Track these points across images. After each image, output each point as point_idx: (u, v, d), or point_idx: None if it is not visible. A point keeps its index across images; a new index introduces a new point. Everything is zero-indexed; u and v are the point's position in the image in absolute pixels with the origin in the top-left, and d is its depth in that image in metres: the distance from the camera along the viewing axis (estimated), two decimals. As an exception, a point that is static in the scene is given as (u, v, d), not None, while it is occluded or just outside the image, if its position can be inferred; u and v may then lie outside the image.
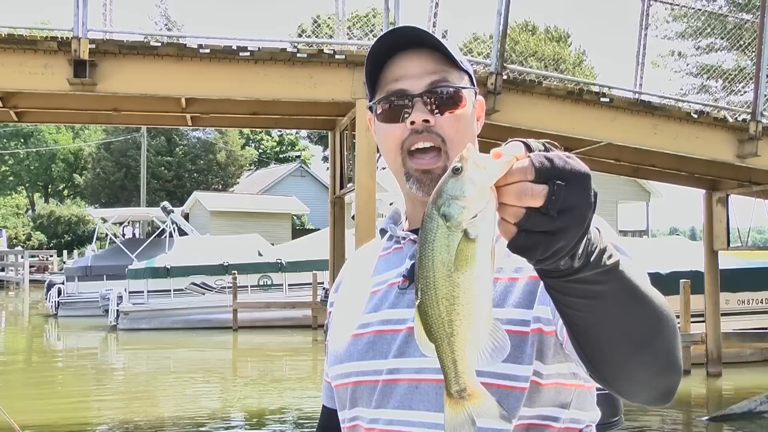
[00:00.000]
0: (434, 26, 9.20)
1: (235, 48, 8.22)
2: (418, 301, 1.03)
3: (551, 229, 0.93)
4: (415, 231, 1.52)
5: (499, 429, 1.25)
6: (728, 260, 13.31)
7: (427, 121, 1.44)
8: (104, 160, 50.68)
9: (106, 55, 8.09)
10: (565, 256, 0.96)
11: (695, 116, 9.65)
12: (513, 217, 0.94)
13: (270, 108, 9.71)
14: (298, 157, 61.60)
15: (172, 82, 8.33)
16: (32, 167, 61.23)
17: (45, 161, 60.79)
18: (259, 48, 8.29)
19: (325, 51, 8.40)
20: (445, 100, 1.46)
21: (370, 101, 1.54)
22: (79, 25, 7.80)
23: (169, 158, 50.03)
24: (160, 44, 8.14)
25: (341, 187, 10.41)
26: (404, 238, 1.57)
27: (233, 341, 20.69)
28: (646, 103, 9.56)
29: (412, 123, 1.45)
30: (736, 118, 9.91)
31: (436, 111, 1.45)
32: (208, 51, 8.16)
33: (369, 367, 1.47)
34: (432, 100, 1.45)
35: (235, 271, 22.28)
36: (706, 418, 10.61)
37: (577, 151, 10.75)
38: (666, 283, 13.73)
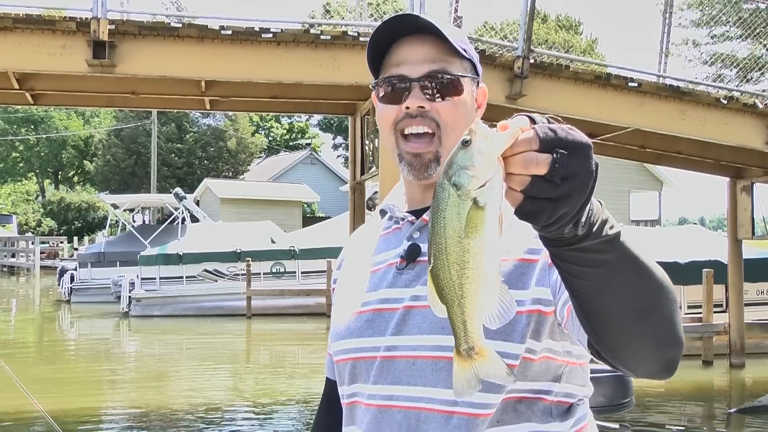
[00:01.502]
0: (456, 12, 9.04)
1: (258, 30, 8.06)
2: (431, 266, 1.08)
3: (555, 196, 0.99)
4: (413, 212, 1.61)
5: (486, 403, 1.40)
6: (747, 250, 13.09)
7: (422, 107, 1.50)
8: (115, 147, 50.58)
9: (125, 36, 7.93)
10: (568, 223, 1.02)
11: (724, 102, 9.45)
12: (519, 185, 1.00)
13: (290, 91, 9.53)
14: (308, 144, 61.44)
15: (193, 64, 8.17)
16: (42, 153, 61.29)
17: (55, 147, 60.83)
18: (281, 29, 8.13)
19: (349, 33, 8.23)
20: (442, 87, 1.51)
21: (373, 83, 1.60)
22: (99, 5, 7.64)
23: (179, 145, 49.91)
24: (180, 25, 7.97)
25: (362, 173, 10.24)
26: (403, 219, 1.62)
27: (246, 329, 20.59)
28: (675, 87, 9.35)
29: (407, 108, 1.50)
30: (766, 105, 9.69)
31: (435, 97, 1.51)
32: (229, 33, 8.00)
33: (367, 344, 1.54)
34: (430, 85, 1.51)
35: (249, 259, 22.16)
36: (734, 410, 10.43)
37: (603, 137, 10.56)
38: (685, 272, 13.59)
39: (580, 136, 1.01)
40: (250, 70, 8.25)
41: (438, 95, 1.51)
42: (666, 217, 42.51)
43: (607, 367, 2.84)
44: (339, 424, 1.65)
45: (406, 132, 1.52)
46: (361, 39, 8.03)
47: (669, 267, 13.85)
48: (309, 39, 8.14)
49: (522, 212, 1.01)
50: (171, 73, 8.26)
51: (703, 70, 28.13)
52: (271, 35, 8.06)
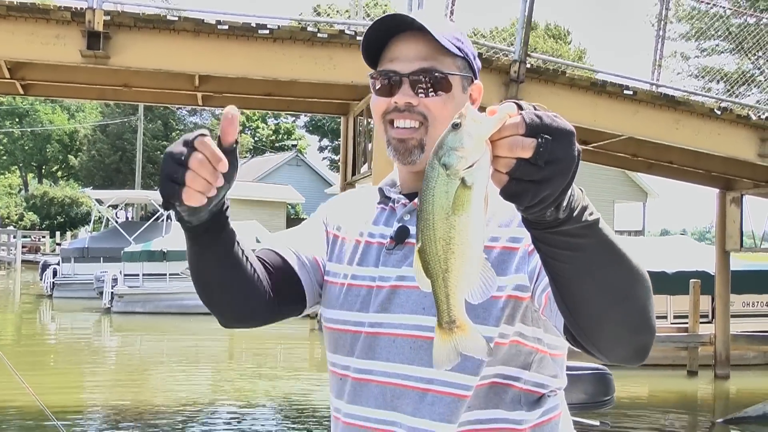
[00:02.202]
0: (452, 14, 9.03)
1: (254, 25, 8.01)
2: (419, 241, 1.14)
3: (538, 178, 1.04)
4: (406, 195, 1.68)
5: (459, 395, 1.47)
6: (733, 262, 13.13)
7: (409, 103, 1.57)
8: (100, 143, 50.26)
9: (120, 28, 7.87)
10: (550, 205, 1.07)
11: (718, 113, 9.47)
12: (505, 167, 1.05)
13: (285, 89, 9.49)
14: (294, 146, 61.31)
15: (188, 58, 8.11)
16: (27, 147, 60.81)
17: (40, 141, 60.35)
18: (278, 26, 8.08)
19: (347, 32, 8.19)
20: (431, 84, 1.57)
21: (370, 74, 1.66)
22: (94, -4, 7.56)
23: (165, 142, 49.61)
24: (177, 19, 7.92)
25: (353, 173, 10.20)
26: (397, 201, 1.69)
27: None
28: (669, 97, 9.37)
29: (395, 102, 1.58)
30: (760, 116, 9.72)
31: (422, 93, 1.57)
32: (226, 27, 7.96)
33: (353, 318, 1.61)
34: (419, 82, 1.57)
35: (234, 257, 22.00)
36: (721, 420, 10.44)
37: (596, 144, 10.57)
38: (672, 282, 13.60)
39: (564, 123, 1.06)
40: (246, 66, 8.19)
41: (428, 90, 1.57)
42: (648, 229, 42.70)
43: (589, 364, 2.87)
44: (264, 269, 1.64)
45: (395, 124, 1.60)
46: (358, 38, 7.98)
47: (656, 276, 13.90)
48: (306, 37, 8.09)
49: (507, 193, 1.07)
50: (166, 66, 8.19)
51: (690, 83, 28.26)
52: (267, 31, 8.01)
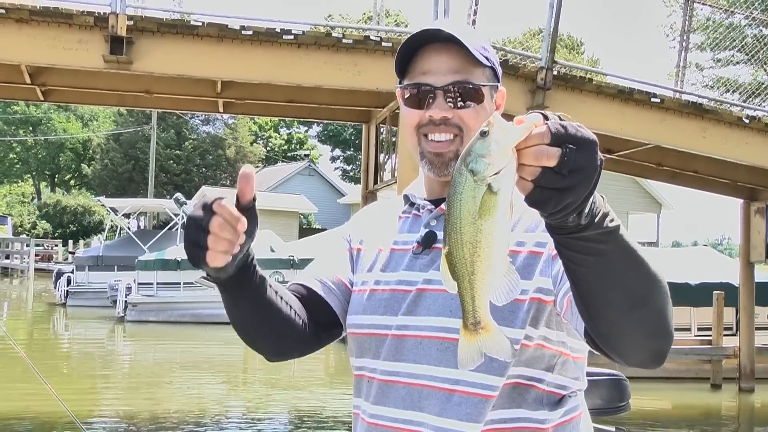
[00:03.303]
0: (473, 22, 8.92)
1: (279, 31, 7.91)
2: (446, 244, 1.18)
3: (562, 186, 1.08)
4: (432, 201, 1.72)
5: (484, 395, 1.51)
6: (758, 273, 12.95)
7: (446, 117, 1.60)
8: (113, 152, 50.30)
9: (143, 33, 7.77)
10: (573, 212, 1.11)
11: (746, 121, 9.32)
12: (530, 175, 1.09)
13: (307, 96, 9.38)
14: (307, 155, 61.34)
15: (211, 63, 8.01)
16: (40, 155, 60.98)
17: (53, 150, 60.53)
18: (303, 32, 7.97)
19: (372, 38, 8.08)
20: (464, 96, 1.61)
21: (400, 83, 1.70)
22: (117, 0, 7.48)
23: (178, 152, 49.70)
24: (200, 24, 7.81)
25: (375, 182, 10.07)
26: (423, 207, 1.73)
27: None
28: (697, 105, 9.22)
29: (431, 116, 1.61)
30: (788, 125, 9.55)
31: (457, 104, 1.61)
32: (250, 33, 7.85)
33: (380, 322, 1.64)
34: (453, 94, 1.61)
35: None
36: None
37: (621, 153, 10.43)
38: (696, 294, 13.44)
39: (588, 133, 1.10)
40: (270, 72, 8.09)
41: (460, 102, 1.61)
42: (662, 241, 42.52)
43: (604, 370, 2.98)
44: (300, 303, 1.70)
45: (430, 137, 1.63)
46: (383, 44, 7.88)
47: (679, 288, 13.72)
48: (330, 42, 7.99)
49: (531, 200, 1.11)
50: (188, 72, 8.09)
51: (705, 94, 28.13)
52: (291, 37, 7.91)
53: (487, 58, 1.64)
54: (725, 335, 13.21)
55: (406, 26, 9.58)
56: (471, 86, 1.61)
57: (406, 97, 1.67)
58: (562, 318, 1.50)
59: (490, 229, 1.14)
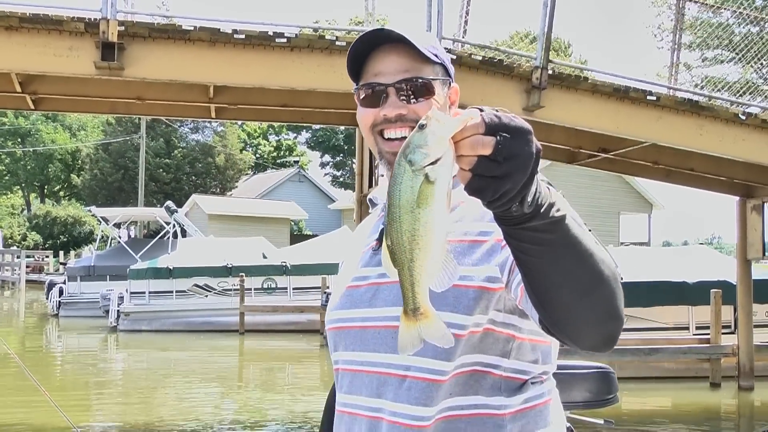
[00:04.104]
0: (465, 25, 8.89)
1: (271, 34, 7.83)
2: (387, 237, 1.20)
3: (499, 174, 1.11)
4: None
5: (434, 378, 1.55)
6: (755, 271, 12.89)
7: (400, 113, 1.65)
8: (102, 161, 50.01)
9: (134, 39, 7.69)
10: (513, 200, 1.14)
11: (743, 118, 9.28)
12: (468, 164, 1.12)
13: (300, 100, 9.29)
14: (296, 162, 61.27)
15: (204, 68, 7.93)
16: (29, 167, 60.70)
17: (42, 161, 60.24)
18: (296, 35, 7.90)
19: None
20: (417, 92, 1.65)
21: (355, 86, 1.74)
22: (108, 6, 7.39)
23: (167, 160, 49.47)
24: (192, 28, 7.73)
25: (370, 186, 9.99)
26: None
27: (239, 345, 20.22)
28: (693, 102, 9.18)
29: (385, 115, 1.66)
30: (786, 121, 9.52)
31: (410, 101, 1.65)
32: (242, 37, 7.78)
33: (347, 315, 1.73)
34: (405, 91, 1.65)
35: (243, 274, 21.84)
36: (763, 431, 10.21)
37: (616, 152, 10.39)
38: (693, 292, 13.40)
39: (522, 122, 1.13)
40: (263, 76, 8.02)
41: (413, 98, 1.65)
42: (653, 241, 42.51)
43: (591, 363, 3.01)
44: None
45: (386, 135, 1.68)
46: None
47: (677, 287, 13.62)
48: (324, 45, 7.92)
49: (470, 188, 1.14)
50: (181, 77, 8.00)
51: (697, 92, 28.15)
52: (284, 40, 7.84)
53: (436, 56, 1.68)
54: (724, 333, 13.14)
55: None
56: (421, 81, 1.65)
57: (361, 97, 1.71)
58: (518, 305, 1.53)
59: (427, 218, 1.16)
